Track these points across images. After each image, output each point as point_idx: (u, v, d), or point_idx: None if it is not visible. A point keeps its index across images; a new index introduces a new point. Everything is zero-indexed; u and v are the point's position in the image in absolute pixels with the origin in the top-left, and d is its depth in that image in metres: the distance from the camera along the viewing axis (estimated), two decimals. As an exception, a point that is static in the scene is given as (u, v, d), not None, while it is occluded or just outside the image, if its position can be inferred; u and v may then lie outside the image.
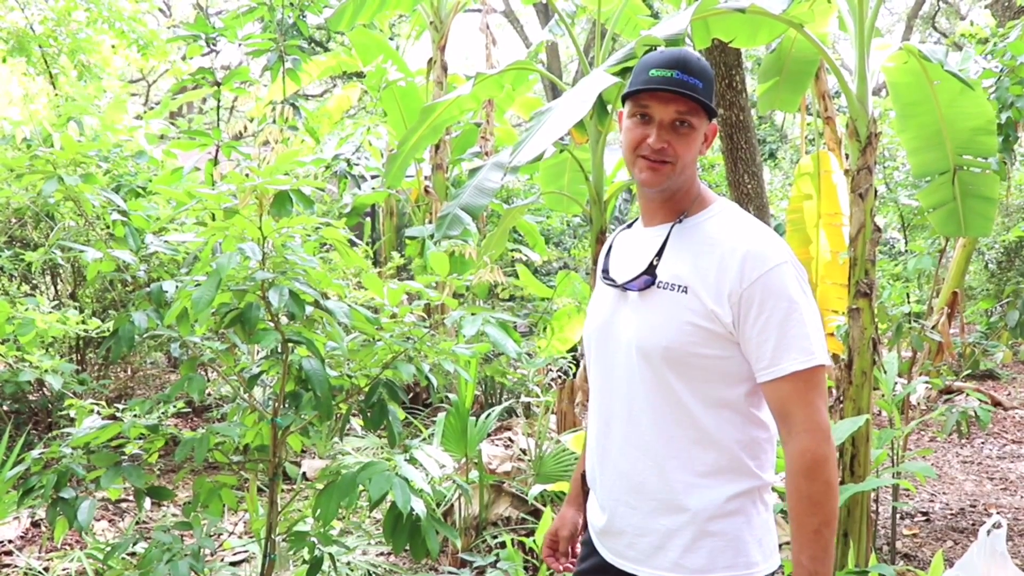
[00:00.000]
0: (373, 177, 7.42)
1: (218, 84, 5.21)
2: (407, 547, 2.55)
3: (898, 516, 4.63)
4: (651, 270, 1.69)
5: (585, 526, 1.95)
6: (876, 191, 3.52)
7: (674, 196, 1.73)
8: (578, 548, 2.04)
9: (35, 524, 4.30)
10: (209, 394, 5.22)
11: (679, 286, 1.64)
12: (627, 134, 1.71)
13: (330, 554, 2.79)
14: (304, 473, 4.77)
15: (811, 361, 1.57)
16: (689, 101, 1.65)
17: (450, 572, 3.57)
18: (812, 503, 1.56)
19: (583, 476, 1.95)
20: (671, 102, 1.66)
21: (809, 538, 1.56)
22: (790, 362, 1.57)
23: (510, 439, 5.28)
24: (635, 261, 1.75)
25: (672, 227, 1.72)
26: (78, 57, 7.38)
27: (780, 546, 1.74)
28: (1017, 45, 5.00)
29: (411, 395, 6.48)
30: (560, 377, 6.37)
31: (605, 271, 1.83)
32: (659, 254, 1.70)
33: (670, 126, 1.67)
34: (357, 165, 6.90)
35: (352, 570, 3.68)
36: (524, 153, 2.82)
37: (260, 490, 3.41)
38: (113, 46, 7.74)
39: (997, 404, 7.52)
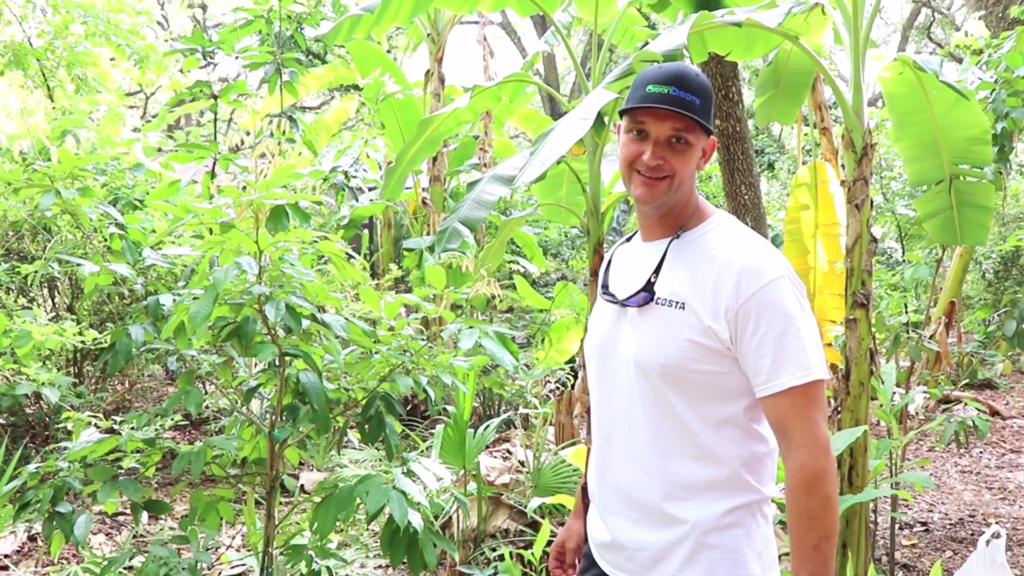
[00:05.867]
0: (371, 189, 7.44)
1: (215, 97, 5.22)
2: (405, 560, 2.55)
3: (897, 526, 4.62)
4: (649, 287, 1.68)
5: (586, 538, 1.94)
6: (873, 201, 3.53)
7: (671, 211, 1.72)
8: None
9: (31, 538, 4.28)
10: (206, 407, 5.21)
11: (677, 302, 1.64)
12: (623, 149, 1.71)
13: (328, 567, 2.79)
14: (302, 486, 4.75)
15: (808, 376, 1.57)
16: (685, 118, 1.64)
17: (448, 585, 3.56)
18: (811, 518, 1.56)
19: (585, 488, 1.94)
20: (667, 119, 1.65)
21: (808, 553, 1.56)
22: (788, 377, 1.56)
23: (508, 451, 5.26)
24: (634, 277, 1.75)
25: (670, 242, 1.72)
26: (75, 70, 7.39)
27: (780, 558, 1.73)
28: (1013, 57, 5.01)
29: (409, 407, 6.47)
30: (558, 389, 6.36)
31: (604, 286, 1.82)
32: (657, 270, 1.69)
33: (666, 143, 1.66)
34: (355, 177, 6.91)
35: (350, 583, 3.66)
36: (528, 173, 2.85)
37: (258, 503, 3.39)
38: (112, 59, 7.76)
39: (995, 413, 7.51)
